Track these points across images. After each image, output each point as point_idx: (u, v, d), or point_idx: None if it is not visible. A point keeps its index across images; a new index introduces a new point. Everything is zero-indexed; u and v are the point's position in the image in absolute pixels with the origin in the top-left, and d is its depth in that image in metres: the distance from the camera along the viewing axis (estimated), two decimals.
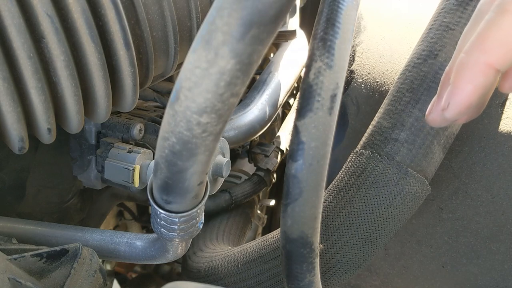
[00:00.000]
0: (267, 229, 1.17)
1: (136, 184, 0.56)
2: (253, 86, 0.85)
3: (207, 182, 0.41)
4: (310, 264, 0.44)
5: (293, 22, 1.01)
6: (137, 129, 0.60)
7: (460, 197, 0.61)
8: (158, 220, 0.43)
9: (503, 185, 0.58)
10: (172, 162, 0.34)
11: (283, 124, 1.12)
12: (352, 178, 0.56)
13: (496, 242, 0.60)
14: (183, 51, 0.58)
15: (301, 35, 1.03)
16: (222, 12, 0.26)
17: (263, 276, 0.63)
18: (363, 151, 0.57)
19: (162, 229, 0.44)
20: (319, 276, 0.46)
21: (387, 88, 0.68)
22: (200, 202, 0.42)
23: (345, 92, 0.72)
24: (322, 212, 0.54)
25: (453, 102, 0.38)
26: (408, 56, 0.58)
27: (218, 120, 0.31)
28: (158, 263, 0.55)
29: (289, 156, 0.40)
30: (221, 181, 0.59)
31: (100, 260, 0.46)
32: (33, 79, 0.41)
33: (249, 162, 1.01)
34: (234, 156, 1.06)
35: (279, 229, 0.49)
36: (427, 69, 0.55)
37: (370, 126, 0.58)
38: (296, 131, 0.39)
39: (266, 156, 0.97)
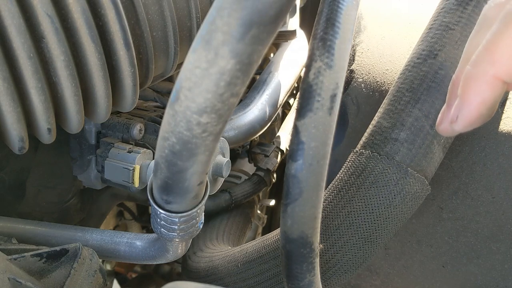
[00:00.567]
0: (267, 229, 1.17)
1: (136, 184, 0.56)
2: (253, 86, 0.85)
3: (207, 182, 0.41)
4: (310, 264, 0.44)
5: (293, 22, 1.01)
6: (137, 129, 0.60)
7: (461, 197, 0.61)
8: (158, 220, 0.43)
9: (503, 185, 0.58)
10: (172, 162, 0.34)
11: (283, 124, 1.12)
12: (352, 178, 0.56)
13: (496, 242, 0.60)
14: (183, 51, 0.58)
15: (301, 35, 1.03)
16: (222, 12, 0.26)
17: (263, 276, 0.63)
18: (363, 150, 0.57)
19: (162, 229, 0.44)
20: (319, 276, 0.46)
21: (387, 88, 0.68)
22: (200, 202, 0.42)
23: (345, 91, 0.72)
24: (322, 212, 0.54)
25: (461, 115, 0.38)
26: (408, 56, 0.58)
27: (218, 120, 0.31)
28: (158, 263, 0.55)
29: (289, 156, 0.40)
30: (221, 181, 0.59)
31: (100, 260, 0.46)
32: (33, 79, 0.41)
33: (249, 162, 1.01)
34: (234, 156, 1.06)
35: (279, 229, 0.49)
36: (427, 69, 0.55)
37: (370, 126, 0.58)
38: (296, 131, 0.39)
39: (266, 156, 0.97)
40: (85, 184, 0.64)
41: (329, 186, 0.59)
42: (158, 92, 0.76)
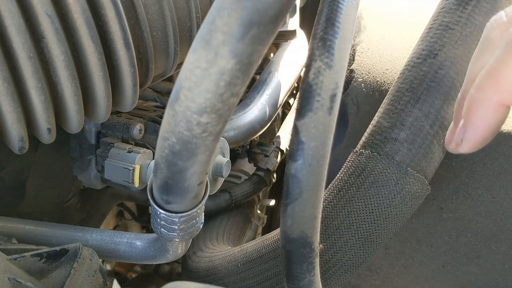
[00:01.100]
0: (267, 229, 1.17)
1: (136, 184, 0.56)
2: (253, 86, 0.85)
3: (207, 182, 0.41)
4: (310, 264, 0.44)
5: (293, 22, 1.01)
6: (137, 129, 0.60)
7: (461, 196, 0.61)
8: (158, 220, 0.43)
9: (503, 185, 0.58)
10: (172, 162, 0.34)
11: (283, 124, 1.12)
12: (352, 178, 0.56)
13: (496, 242, 0.60)
14: (183, 51, 0.58)
15: (301, 35, 1.03)
16: (222, 12, 0.26)
17: (263, 276, 0.63)
18: (363, 150, 0.57)
19: (162, 229, 0.44)
20: (319, 276, 0.46)
21: (387, 88, 0.68)
22: (200, 202, 0.42)
23: (345, 91, 0.72)
24: (322, 212, 0.54)
25: (466, 138, 0.39)
26: (408, 56, 0.58)
27: (218, 120, 0.31)
28: (158, 263, 0.55)
29: (289, 156, 0.40)
30: (221, 181, 0.59)
31: (100, 260, 0.46)
32: (33, 79, 0.41)
33: (249, 162, 1.01)
34: (234, 156, 1.06)
35: (279, 229, 0.49)
36: (427, 69, 0.55)
37: (370, 126, 0.58)
38: (296, 131, 0.39)
39: (266, 156, 0.97)
40: (85, 184, 0.64)
41: (329, 186, 0.59)
42: (158, 92, 0.76)
